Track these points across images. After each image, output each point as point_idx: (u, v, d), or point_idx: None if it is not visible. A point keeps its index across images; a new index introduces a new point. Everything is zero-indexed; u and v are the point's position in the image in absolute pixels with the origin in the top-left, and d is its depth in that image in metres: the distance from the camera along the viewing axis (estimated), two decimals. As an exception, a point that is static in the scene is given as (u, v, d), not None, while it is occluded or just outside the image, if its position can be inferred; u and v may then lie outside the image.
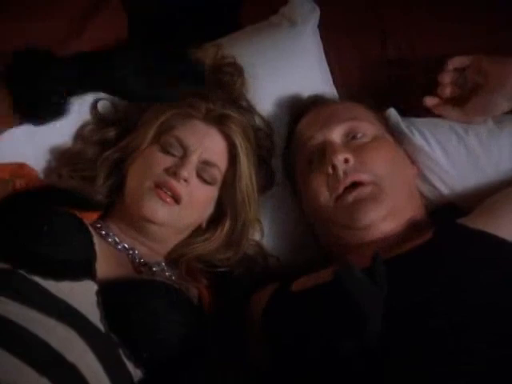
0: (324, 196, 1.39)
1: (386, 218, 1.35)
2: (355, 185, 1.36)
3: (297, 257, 1.57)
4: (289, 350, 1.26)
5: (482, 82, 1.46)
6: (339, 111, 1.46)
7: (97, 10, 1.70)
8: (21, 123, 1.38)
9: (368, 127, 1.43)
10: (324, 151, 1.40)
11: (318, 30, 1.63)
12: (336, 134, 1.42)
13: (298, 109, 1.54)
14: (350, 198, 1.35)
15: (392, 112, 1.53)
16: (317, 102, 1.53)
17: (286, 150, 1.54)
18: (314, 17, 1.63)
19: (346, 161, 1.37)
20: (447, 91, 1.51)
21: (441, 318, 1.17)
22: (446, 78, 1.51)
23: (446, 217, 1.39)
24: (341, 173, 1.36)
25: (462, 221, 1.34)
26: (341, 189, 1.36)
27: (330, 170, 1.37)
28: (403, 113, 1.54)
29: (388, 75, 1.65)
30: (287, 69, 1.58)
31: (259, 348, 1.35)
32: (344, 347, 1.16)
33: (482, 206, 1.38)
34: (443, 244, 1.30)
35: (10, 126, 1.38)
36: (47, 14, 1.65)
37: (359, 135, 1.42)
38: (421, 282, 1.24)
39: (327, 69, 1.63)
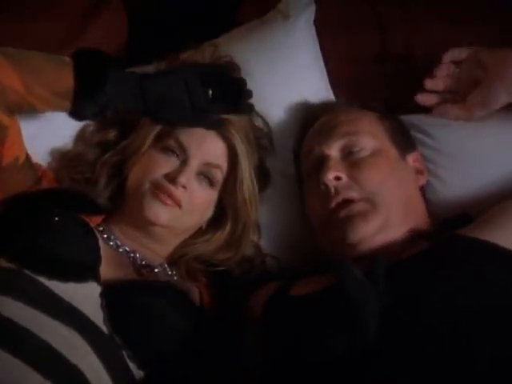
0: (318, 210, 1.42)
1: (376, 233, 1.36)
2: (347, 201, 1.37)
3: (295, 257, 1.57)
4: (287, 351, 1.27)
5: (480, 75, 1.45)
6: (341, 124, 1.45)
7: (97, 10, 1.71)
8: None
9: (368, 141, 1.42)
10: (321, 165, 1.41)
11: (313, 25, 1.63)
12: (334, 149, 1.42)
13: (306, 120, 1.55)
14: (342, 213, 1.37)
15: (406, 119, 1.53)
16: (322, 113, 1.52)
17: (297, 157, 1.55)
18: (309, 10, 1.63)
19: (338, 178, 1.38)
20: (440, 84, 1.51)
21: (436, 320, 1.18)
22: (441, 72, 1.50)
23: (458, 226, 1.38)
24: (332, 190, 1.37)
25: (460, 231, 1.35)
26: (333, 204, 1.38)
27: (323, 188, 1.38)
28: (397, 109, 1.55)
29: (385, 72, 1.64)
30: (281, 63, 1.58)
31: (257, 347, 1.35)
32: (339, 347, 1.17)
33: (481, 218, 1.38)
34: (438, 252, 1.30)
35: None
36: (47, 15, 1.65)
37: (356, 149, 1.41)
38: (417, 286, 1.24)
39: (322, 63, 1.63)
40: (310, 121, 1.53)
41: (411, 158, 1.48)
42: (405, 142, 1.49)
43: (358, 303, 1.18)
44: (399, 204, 1.39)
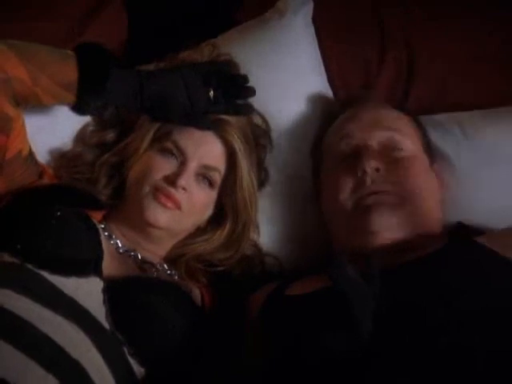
0: (345, 195, 1.40)
1: (398, 227, 1.36)
2: (378, 192, 1.37)
3: (296, 257, 1.57)
4: (284, 351, 1.26)
5: None
6: (385, 118, 1.46)
7: (97, 10, 1.71)
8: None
9: (408, 143, 1.43)
10: (359, 153, 1.40)
11: (311, 22, 1.64)
12: (376, 140, 1.42)
13: (342, 104, 1.55)
14: (369, 200, 1.36)
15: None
16: (361, 99, 1.52)
17: (317, 142, 1.54)
18: (306, 8, 1.63)
19: (377, 170, 1.38)
20: None
21: (436, 321, 1.18)
22: None
23: (459, 233, 1.40)
24: (369, 180, 1.37)
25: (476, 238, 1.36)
26: (364, 193, 1.37)
27: (360, 174, 1.38)
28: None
29: (385, 71, 1.64)
30: (279, 61, 1.59)
31: (257, 347, 1.35)
32: (335, 346, 1.17)
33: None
34: (436, 254, 1.31)
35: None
36: (48, 15, 1.66)
37: (398, 148, 1.42)
38: (417, 287, 1.24)
39: (321, 60, 1.63)
40: (341, 108, 1.53)
41: (435, 169, 1.48)
42: (431, 152, 1.50)
43: (351, 301, 1.18)
44: (424, 209, 1.39)
